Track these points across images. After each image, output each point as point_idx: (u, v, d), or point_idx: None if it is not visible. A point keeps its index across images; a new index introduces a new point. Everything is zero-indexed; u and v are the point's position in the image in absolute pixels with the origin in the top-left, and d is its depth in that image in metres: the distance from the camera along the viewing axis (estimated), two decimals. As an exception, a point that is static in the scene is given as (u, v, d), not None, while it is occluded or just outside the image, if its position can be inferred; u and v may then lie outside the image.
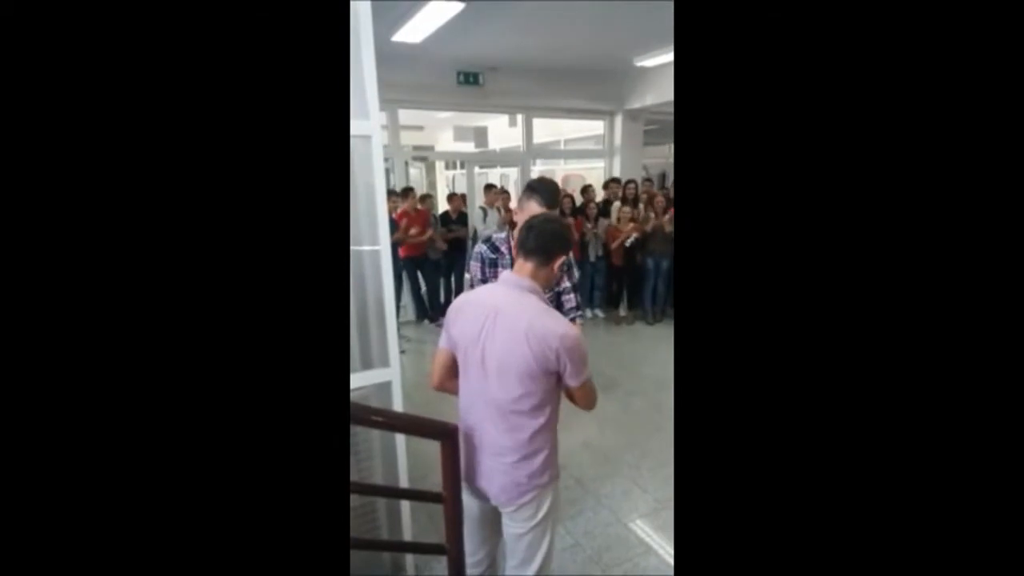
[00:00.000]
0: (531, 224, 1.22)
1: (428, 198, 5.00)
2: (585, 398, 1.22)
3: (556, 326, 1.11)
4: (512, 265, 1.71)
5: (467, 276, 2.09)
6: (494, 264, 1.74)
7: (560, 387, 1.20)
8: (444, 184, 6.85)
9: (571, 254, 1.33)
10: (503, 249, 1.76)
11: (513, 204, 5.61)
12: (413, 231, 4.52)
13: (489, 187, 5.42)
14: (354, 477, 1.62)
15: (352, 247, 1.61)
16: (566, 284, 1.81)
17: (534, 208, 1.58)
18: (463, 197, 5.39)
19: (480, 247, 1.78)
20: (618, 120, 6.25)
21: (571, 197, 5.19)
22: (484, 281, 1.74)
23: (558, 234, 1.21)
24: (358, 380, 1.59)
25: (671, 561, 1.92)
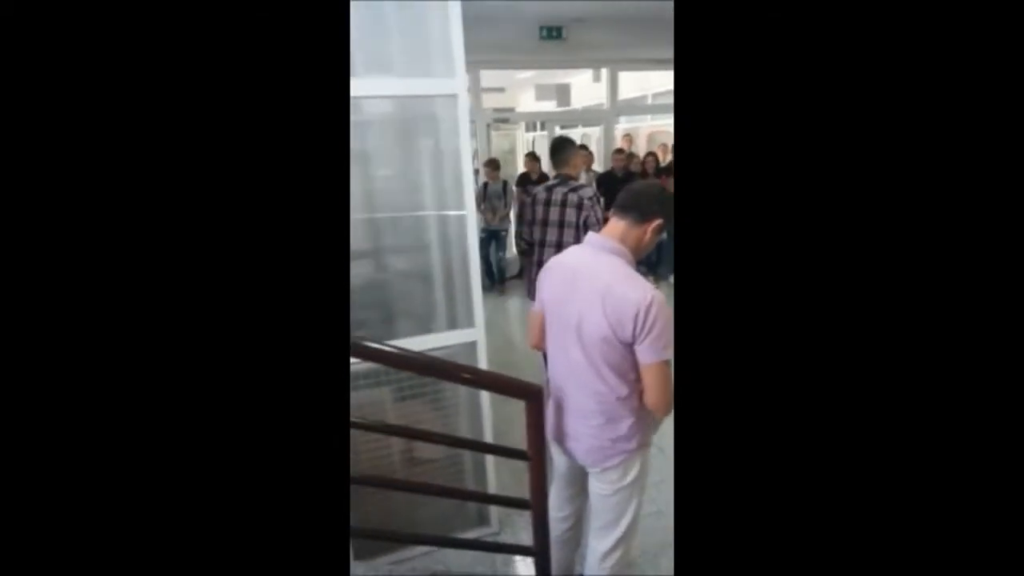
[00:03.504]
0: (630, 186, 1.19)
1: (495, 164, 4.87)
2: (656, 388, 1.07)
3: (633, 291, 1.04)
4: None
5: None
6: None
7: None
8: (523, 147, 6.76)
9: None
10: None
11: (596, 166, 5.43)
12: None
13: (580, 148, 5.15)
14: (441, 431, 1.70)
15: (438, 212, 1.65)
16: None
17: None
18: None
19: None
20: (712, 70, 5.78)
21: (655, 155, 4.94)
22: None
23: (656, 195, 1.14)
24: (445, 340, 1.65)
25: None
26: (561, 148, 2.32)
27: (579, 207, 2.15)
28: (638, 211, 1.13)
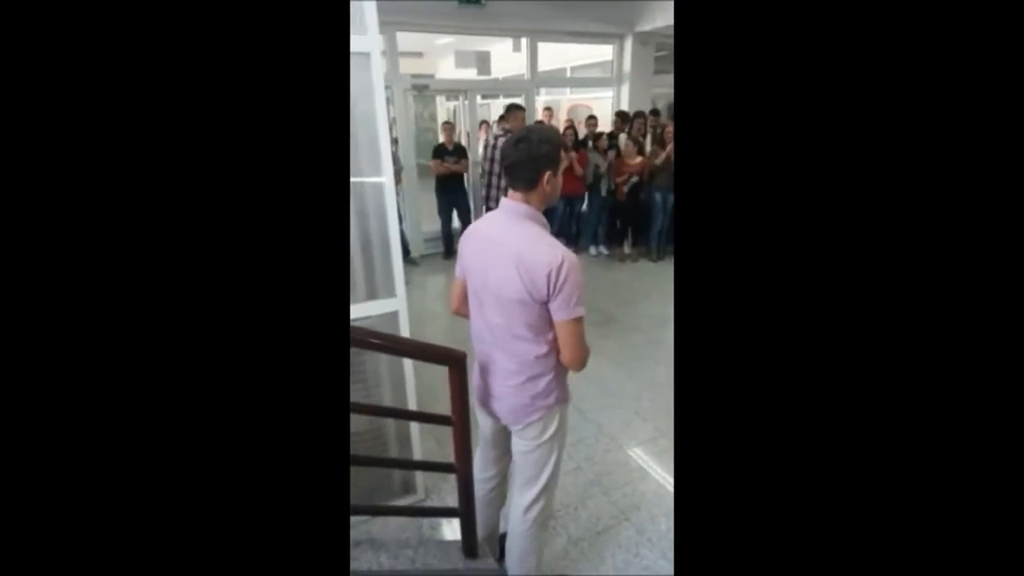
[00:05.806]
0: (505, 153, 1.14)
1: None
2: (571, 345, 1.14)
3: (545, 254, 1.08)
4: None
5: None
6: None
7: None
8: (444, 115, 6.58)
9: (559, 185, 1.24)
10: None
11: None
12: None
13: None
14: (364, 400, 1.68)
15: (353, 179, 1.58)
16: None
17: None
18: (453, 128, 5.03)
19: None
20: (627, 44, 5.92)
21: (574, 129, 5.03)
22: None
23: (535, 155, 1.11)
24: (364, 310, 1.61)
25: (668, 486, 2.02)
26: (509, 109, 4.00)
27: (494, 147, 4.08)
28: (526, 180, 1.14)
